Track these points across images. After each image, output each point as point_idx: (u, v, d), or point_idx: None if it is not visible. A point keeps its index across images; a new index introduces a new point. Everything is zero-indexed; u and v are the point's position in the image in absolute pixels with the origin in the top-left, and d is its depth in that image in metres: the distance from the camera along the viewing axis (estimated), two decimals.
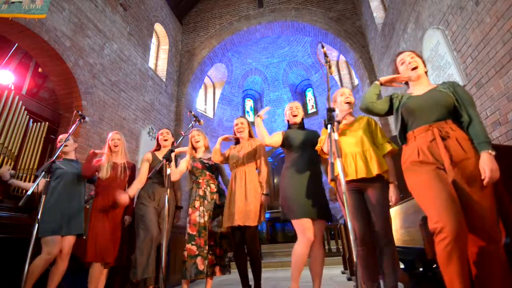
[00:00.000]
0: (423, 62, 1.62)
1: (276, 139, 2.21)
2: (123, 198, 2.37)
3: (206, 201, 2.43)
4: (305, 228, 1.93)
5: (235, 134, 2.58)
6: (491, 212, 1.18)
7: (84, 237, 2.47)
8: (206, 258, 2.28)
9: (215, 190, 2.49)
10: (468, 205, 1.21)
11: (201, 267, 2.25)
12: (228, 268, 2.40)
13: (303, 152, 2.13)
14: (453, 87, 1.45)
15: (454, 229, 1.12)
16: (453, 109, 1.39)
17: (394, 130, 1.69)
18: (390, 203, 1.68)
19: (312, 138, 2.18)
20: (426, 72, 1.62)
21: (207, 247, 2.31)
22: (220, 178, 2.70)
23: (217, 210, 2.44)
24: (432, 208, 1.22)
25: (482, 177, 1.20)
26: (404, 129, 1.51)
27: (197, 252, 2.28)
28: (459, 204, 1.19)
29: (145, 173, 2.57)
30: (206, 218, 2.38)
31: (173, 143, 2.82)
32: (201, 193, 2.45)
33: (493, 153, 1.22)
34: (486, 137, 1.28)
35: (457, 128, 1.36)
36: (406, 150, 1.47)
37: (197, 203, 2.42)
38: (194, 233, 2.34)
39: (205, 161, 2.55)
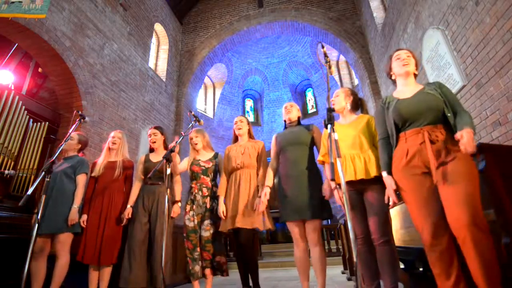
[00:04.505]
0: (416, 64, 1.64)
1: (275, 150, 2.29)
2: (128, 212, 2.45)
3: (195, 205, 2.42)
4: (292, 231, 2.05)
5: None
6: (477, 202, 1.22)
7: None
8: (193, 260, 2.30)
9: (207, 193, 2.45)
10: (453, 200, 1.24)
11: (192, 268, 2.29)
12: (217, 270, 2.36)
13: (288, 152, 2.16)
14: (440, 88, 1.48)
15: (431, 232, 1.29)
16: (443, 112, 1.42)
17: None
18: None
19: (298, 135, 2.18)
20: (415, 75, 1.63)
21: (198, 249, 2.32)
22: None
23: (207, 214, 2.41)
24: (412, 213, 1.40)
25: (460, 145, 1.24)
26: (397, 129, 1.53)
27: (186, 254, 2.34)
28: (437, 208, 1.31)
29: (139, 177, 2.61)
30: (196, 221, 2.38)
31: (165, 141, 2.76)
32: (192, 197, 2.46)
33: (473, 132, 1.28)
34: (472, 123, 1.32)
35: (446, 133, 1.39)
36: (397, 151, 1.50)
37: (188, 207, 2.45)
38: (185, 235, 2.38)
39: (202, 164, 2.53)
